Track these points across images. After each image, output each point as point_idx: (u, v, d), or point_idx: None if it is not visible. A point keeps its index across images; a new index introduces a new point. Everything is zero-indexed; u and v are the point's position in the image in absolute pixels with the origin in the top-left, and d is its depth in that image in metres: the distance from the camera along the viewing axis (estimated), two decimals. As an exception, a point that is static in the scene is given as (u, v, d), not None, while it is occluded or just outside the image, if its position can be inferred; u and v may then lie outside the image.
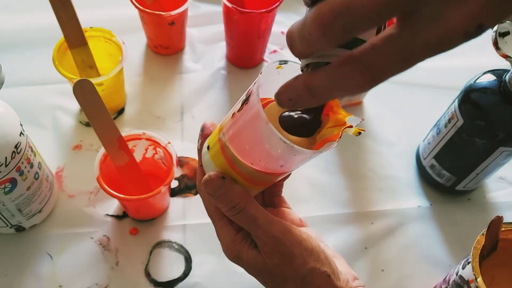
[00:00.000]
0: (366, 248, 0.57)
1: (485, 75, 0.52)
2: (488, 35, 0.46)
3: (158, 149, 0.55)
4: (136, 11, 0.64)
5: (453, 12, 0.22)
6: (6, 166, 0.46)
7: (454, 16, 0.22)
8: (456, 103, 0.54)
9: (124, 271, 0.54)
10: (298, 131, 0.34)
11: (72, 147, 0.62)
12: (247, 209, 0.35)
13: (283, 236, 0.35)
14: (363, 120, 0.33)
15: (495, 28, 0.45)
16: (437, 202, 0.61)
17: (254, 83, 0.30)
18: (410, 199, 0.61)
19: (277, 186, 0.41)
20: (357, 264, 0.56)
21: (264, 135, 0.30)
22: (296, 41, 0.25)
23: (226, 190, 0.34)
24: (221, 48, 0.72)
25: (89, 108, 0.46)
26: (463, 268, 0.46)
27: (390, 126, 0.67)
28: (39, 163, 0.52)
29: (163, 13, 0.63)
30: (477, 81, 0.52)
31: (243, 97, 0.32)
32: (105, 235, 0.56)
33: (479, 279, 0.42)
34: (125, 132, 0.52)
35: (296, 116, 0.34)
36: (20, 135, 0.47)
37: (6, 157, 0.45)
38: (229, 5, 0.60)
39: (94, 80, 0.53)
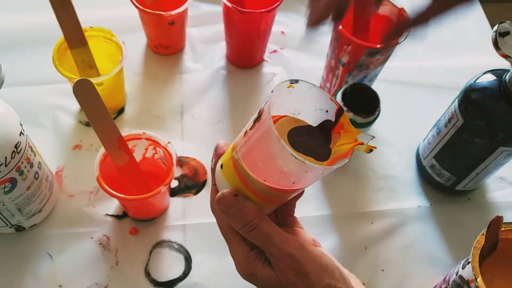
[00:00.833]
0: (366, 248, 0.57)
1: (485, 75, 0.52)
2: (488, 35, 0.46)
3: (158, 149, 0.55)
4: (136, 11, 0.64)
5: None
6: (6, 166, 0.46)
7: None
8: (456, 103, 0.54)
9: (124, 271, 0.54)
10: (309, 149, 0.34)
11: (72, 147, 0.62)
12: (260, 227, 0.35)
13: (297, 253, 0.35)
14: (374, 137, 0.34)
15: (495, 28, 0.45)
16: (437, 202, 0.61)
17: (265, 102, 0.31)
18: (410, 199, 0.61)
19: (290, 206, 0.41)
20: (357, 264, 0.56)
21: (276, 152, 0.30)
22: None
23: (239, 208, 0.34)
24: (221, 48, 0.72)
25: (89, 108, 0.46)
26: (463, 268, 0.46)
27: (390, 126, 0.67)
28: (39, 163, 0.52)
29: (163, 13, 0.63)
30: (477, 81, 0.52)
31: (255, 115, 0.32)
32: (105, 235, 0.56)
33: (479, 279, 0.42)
34: (125, 132, 0.52)
35: (305, 132, 0.35)
36: (20, 135, 0.47)
37: (6, 157, 0.45)
38: (229, 5, 0.60)
39: (94, 80, 0.53)
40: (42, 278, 0.53)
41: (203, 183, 0.60)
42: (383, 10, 0.59)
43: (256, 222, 0.35)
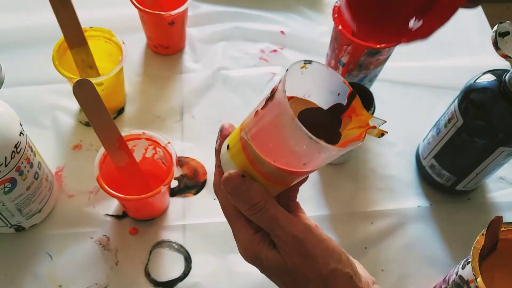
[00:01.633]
0: (366, 248, 0.57)
1: (485, 75, 0.52)
2: (488, 35, 0.46)
3: (158, 149, 0.55)
4: (136, 11, 0.64)
5: None
6: (6, 166, 0.46)
7: None
8: (456, 103, 0.54)
9: (124, 271, 0.54)
10: (319, 131, 0.33)
11: (72, 147, 0.62)
12: (267, 208, 0.34)
13: (304, 236, 0.34)
14: (385, 122, 0.33)
15: (495, 28, 0.45)
16: (437, 202, 0.61)
17: (280, 81, 0.30)
18: (410, 199, 0.61)
19: (293, 191, 0.40)
20: (357, 264, 0.56)
21: (290, 131, 0.30)
22: None
23: (246, 188, 0.33)
24: (221, 48, 0.72)
25: (89, 108, 0.46)
26: (462, 268, 0.46)
27: (390, 126, 0.66)
28: (39, 163, 0.52)
29: (163, 13, 0.63)
30: (477, 81, 0.52)
31: (267, 95, 0.32)
32: (105, 235, 0.56)
33: (479, 279, 0.42)
34: (125, 132, 0.52)
35: (315, 114, 0.34)
36: (20, 135, 0.47)
37: (6, 157, 0.45)
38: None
39: (94, 80, 0.53)
40: (42, 278, 0.53)
41: (203, 183, 0.60)
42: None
43: (263, 203, 0.34)
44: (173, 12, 0.63)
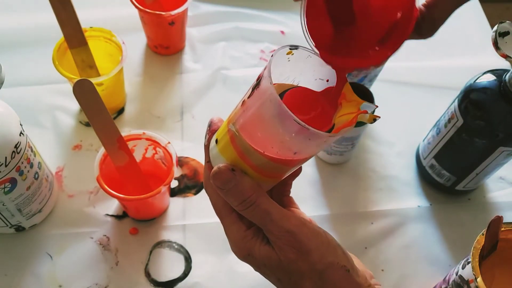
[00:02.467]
0: (366, 248, 0.57)
1: (485, 75, 0.52)
2: (488, 35, 0.46)
3: (158, 149, 0.55)
4: (136, 11, 0.64)
5: None
6: (6, 166, 0.46)
7: None
8: (456, 103, 0.54)
9: (124, 271, 0.54)
10: (308, 114, 0.33)
11: (72, 147, 0.62)
12: (259, 203, 0.33)
13: (298, 230, 0.33)
14: (377, 106, 0.32)
15: (495, 28, 0.45)
16: (437, 202, 0.61)
17: (265, 68, 0.29)
18: (410, 199, 0.61)
19: (286, 186, 0.39)
20: (357, 264, 0.56)
21: (278, 118, 0.29)
22: None
23: (237, 183, 0.32)
24: (221, 48, 0.72)
25: (89, 108, 0.46)
26: (463, 268, 0.46)
27: (390, 126, 0.67)
28: (39, 163, 0.52)
29: (163, 13, 0.63)
30: (477, 81, 0.52)
31: (253, 83, 0.31)
32: (105, 235, 0.56)
33: (479, 279, 0.42)
34: (125, 132, 0.52)
35: (305, 97, 0.33)
36: (20, 135, 0.47)
37: (6, 157, 0.45)
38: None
39: (94, 80, 0.53)
40: (42, 278, 0.53)
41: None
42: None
43: (254, 198, 0.33)
44: (173, 12, 0.63)
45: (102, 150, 0.51)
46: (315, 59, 0.32)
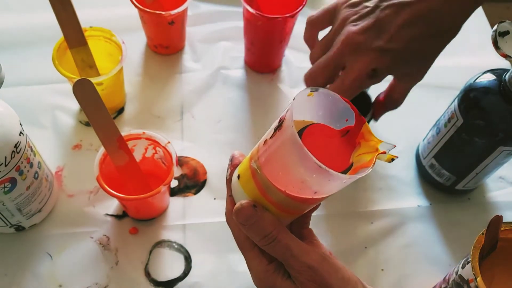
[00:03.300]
0: (366, 248, 0.57)
1: (485, 74, 0.52)
2: (488, 35, 0.46)
3: (158, 148, 0.55)
4: (136, 10, 0.64)
5: (357, 63, 0.48)
6: (5, 165, 0.46)
7: (358, 66, 0.48)
8: (456, 102, 0.54)
9: (124, 271, 0.54)
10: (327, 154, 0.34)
11: (72, 147, 0.62)
12: (280, 238, 0.34)
13: (319, 265, 0.34)
14: (395, 146, 0.33)
15: (495, 27, 0.45)
16: (437, 201, 0.61)
17: (287, 110, 0.31)
18: (410, 198, 0.61)
19: (306, 218, 0.40)
20: (357, 264, 0.56)
21: (299, 160, 0.30)
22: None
23: (258, 219, 0.33)
24: (221, 48, 0.72)
25: (89, 107, 0.46)
26: (462, 268, 0.46)
27: (390, 126, 0.67)
28: (39, 162, 0.52)
29: (163, 13, 0.63)
30: (477, 81, 0.52)
31: (276, 123, 0.32)
32: (105, 235, 0.56)
33: (479, 279, 0.42)
34: (125, 131, 0.52)
35: (324, 135, 0.34)
36: (20, 135, 0.47)
37: (5, 157, 0.45)
38: (253, 11, 0.59)
39: (94, 80, 0.53)
40: (42, 278, 0.53)
41: (203, 183, 0.60)
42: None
43: (276, 233, 0.34)
44: (173, 12, 0.63)
45: (102, 150, 0.51)
46: (334, 99, 0.34)
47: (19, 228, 0.54)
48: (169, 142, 0.54)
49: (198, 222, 0.57)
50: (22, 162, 0.48)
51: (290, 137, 0.30)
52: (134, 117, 0.65)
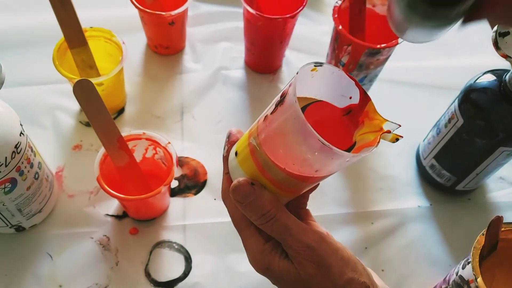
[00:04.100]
0: (366, 248, 0.57)
1: (485, 75, 0.52)
2: (488, 35, 0.46)
3: (158, 149, 0.55)
4: (136, 11, 0.64)
5: None
6: (6, 166, 0.46)
7: None
8: (456, 103, 0.54)
9: (124, 271, 0.54)
10: (330, 132, 0.32)
11: (72, 147, 0.62)
12: (278, 217, 0.33)
13: (318, 245, 0.33)
14: (400, 126, 0.32)
15: (495, 28, 0.45)
16: (437, 202, 0.61)
17: (289, 84, 0.29)
18: (410, 199, 0.61)
19: (303, 198, 0.39)
20: (357, 264, 0.56)
21: (301, 137, 0.29)
22: None
23: (256, 197, 0.32)
24: (221, 48, 0.72)
25: (89, 108, 0.46)
26: (463, 268, 0.46)
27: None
28: (39, 163, 0.52)
29: (163, 13, 0.63)
30: (477, 81, 0.52)
31: (277, 98, 0.31)
32: (105, 235, 0.56)
33: (479, 279, 0.42)
34: (125, 132, 0.52)
35: (327, 113, 0.33)
36: (20, 135, 0.47)
37: (6, 157, 0.45)
38: (253, 11, 0.59)
39: (94, 80, 0.53)
40: (42, 278, 0.53)
41: (203, 183, 0.60)
42: (381, 10, 0.59)
43: (274, 212, 0.33)
44: (173, 12, 0.63)
45: (102, 150, 0.51)
46: (339, 75, 0.32)
47: (19, 229, 0.54)
48: (169, 143, 0.54)
49: (198, 222, 0.57)
50: (22, 163, 0.48)
51: (293, 113, 0.28)
52: (134, 117, 0.65)
